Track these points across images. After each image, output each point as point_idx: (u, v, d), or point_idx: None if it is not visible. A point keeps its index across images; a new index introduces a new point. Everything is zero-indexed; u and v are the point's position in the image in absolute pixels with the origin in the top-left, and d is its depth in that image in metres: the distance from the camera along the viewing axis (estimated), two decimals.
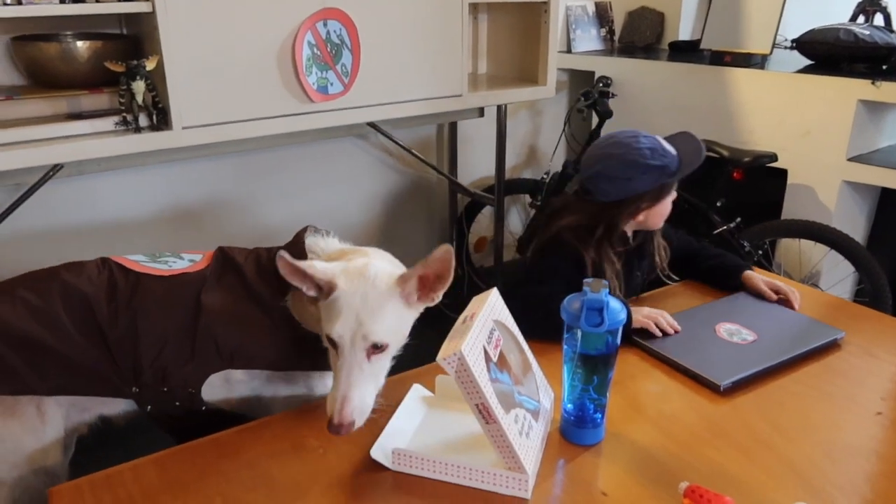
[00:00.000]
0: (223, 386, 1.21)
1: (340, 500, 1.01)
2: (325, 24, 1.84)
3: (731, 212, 2.47)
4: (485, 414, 0.99)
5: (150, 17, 1.62)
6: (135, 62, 1.57)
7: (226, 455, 1.10)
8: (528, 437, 1.04)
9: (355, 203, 2.71)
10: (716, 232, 2.45)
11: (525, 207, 3.19)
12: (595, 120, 2.81)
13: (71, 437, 1.28)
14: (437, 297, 1.13)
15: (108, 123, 1.66)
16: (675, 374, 1.32)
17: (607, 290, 1.06)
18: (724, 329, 1.44)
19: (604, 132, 2.85)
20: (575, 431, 1.13)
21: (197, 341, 1.15)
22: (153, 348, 1.14)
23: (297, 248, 1.21)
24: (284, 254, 1.05)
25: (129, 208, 2.18)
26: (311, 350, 1.18)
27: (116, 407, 1.22)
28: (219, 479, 1.05)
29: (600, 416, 1.13)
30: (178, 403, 1.19)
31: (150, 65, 1.60)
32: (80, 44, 1.69)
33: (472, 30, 2.73)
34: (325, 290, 1.08)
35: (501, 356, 1.13)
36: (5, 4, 1.49)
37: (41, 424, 1.14)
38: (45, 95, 1.65)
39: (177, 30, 1.63)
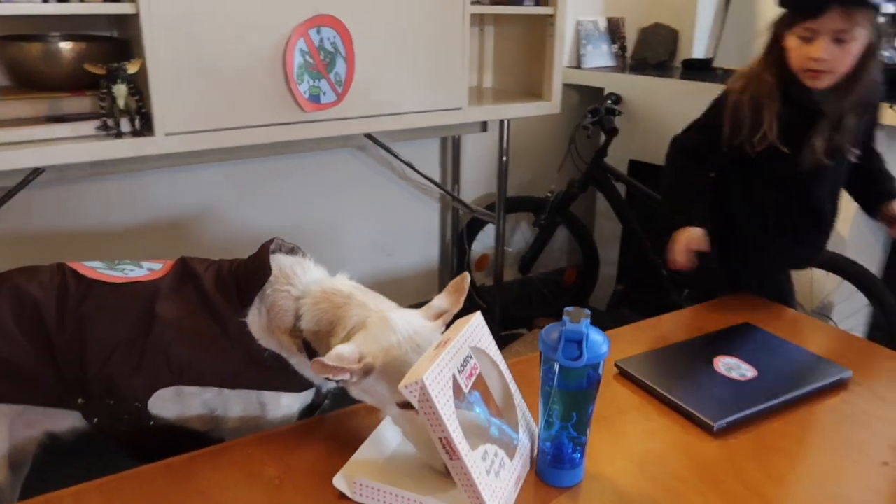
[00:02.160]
0: (174, 400, 1.15)
1: None
2: (318, 32, 1.79)
3: None
4: (448, 449, 0.91)
5: (135, 20, 1.57)
6: (115, 65, 1.53)
7: (176, 482, 1.03)
8: (498, 477, 0.96)
9: (353, 216, 2.65)
10: None
11: (529, 226, 3.11)
12: (603, 137, 2.74)
13: (19, 454, 1.22)
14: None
15: (89, 127, 1.61)
16: (667, 411, 1.23)
17: (588, 320, 0.98)
18: (723, 363, 1.35)
19: (611, 151, 2.77)
20: (551, 472, 1.05)
21: (146, 352, 1.09)
22: (100, 357, 1.08)
23: (261, 264, 1.15)
24: (320, 359, 0.94)
25: (114, 216, 2.13)
26: (265, 368, 1.12)
27: (64, 422, 1.16)
28: None
29: (579, 455, 1.05)
30: (125, 417, 1.13)
31: (131, 68, 1.55)
32: (63, 45, 1.65)
33: (478, 42, 2.67)
34: (361, 372, 0.99)
35: (485, 386, 1.06)
36: None
37: None
38: (26, 97, 1.61)
39: (162, 33, 1.59)
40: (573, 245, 3.24)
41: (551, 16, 2.28)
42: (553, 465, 1.04)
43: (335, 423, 1.16)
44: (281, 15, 1.74)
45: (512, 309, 2.94)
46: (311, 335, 1.12)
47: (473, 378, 1.00)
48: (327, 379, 1.10)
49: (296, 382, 1.17)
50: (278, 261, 1.18)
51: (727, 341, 1.45)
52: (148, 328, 1.10)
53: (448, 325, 1.08)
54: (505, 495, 0.96)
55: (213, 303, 1.12)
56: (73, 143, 1.58)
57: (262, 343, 1.13)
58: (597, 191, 2.89)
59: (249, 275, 1.14)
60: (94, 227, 2.12)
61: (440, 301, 1.09)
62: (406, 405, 0.99)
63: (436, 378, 0.90)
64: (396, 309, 1.13)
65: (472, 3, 2.13)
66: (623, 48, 3.17)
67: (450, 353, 0.96)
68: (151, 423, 1.15)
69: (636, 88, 2.82)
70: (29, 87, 1.68)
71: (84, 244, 2.11)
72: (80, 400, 1.11)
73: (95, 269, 1.16)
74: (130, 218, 2.17)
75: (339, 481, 1.00)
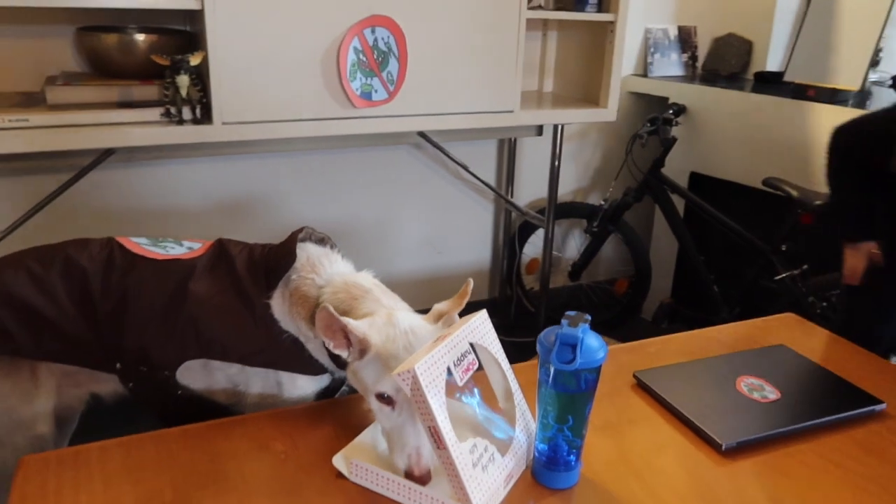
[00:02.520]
0: (201, 371, 1.22)
1: (286, 502, 0.98)
2: (372, 31, 1.85)
3: (797, 258, 2.29)
4: (435, 438, 0.94)
5: (200, 15, 1.68)
6: (179, 57, 1.63)
7: (190, 447, 1.10)
8: (486, 471, 0.98)
9: (406, 213, 2.71)
10: (777, 278, 2.28)
11: (583, 233, 3.09)
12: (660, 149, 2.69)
13: (66, 411, 1.33)
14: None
15: (154, 114, 1.73)
16: (678, 426, 1.21)
17: (587, 325, 0.99)
18: (745, 384, 1.32)
19: (672, 162, 2.72)
20: (545, 473, 1.05)
21: (178, 325, 1.17)
22: (136, 327, 1.17)
23: (287, 250, 1.20)
24: (328, 307, 1.00)
25: (171, 198, 2.27)
26: (283, 350, 1.17)
27: (106, 385, 1.26)
28: (175, 470, 1.05)
29: (574, 458, 1.05)
30: (156, 384, 1.21)
31: (194, 60, 1.65)
32: (137, 36, 1.78)
33: (542, 47, 2.68)
34: (358, 348, 1.04)
35: (486, 383, 1.09)
36: None
37: (34, 389, 1.19)
38: (100, 83, 1.74)
39: (224, 28, 1.68)
40: (628, 255, 3.20)
41: (612, 22, 2.26)
42: (548, 467, 1.05)
43: (344, 408, 1.21)
44: (337, 14, 1.81)
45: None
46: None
47: (470, 373, 1.02)
48: (335, 360, 1.15)
49: (311, 366, 1.22)
50: (307, 249, 1.23)
51: (756, 362, 1.40)
52: (181, 303, 1.17)
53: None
54: (491, 490, 0.98)
55: (242, 284, 1.19)
56: (138, 128, 1.70)
57: (283, 325, 1.19)
58: (654, 202, 2.84)
59: (277, 260, 1.20)
60: (152, 207, 2.26)
61: (442, 305, 1.12)
62: (383, 399, 1.02)
63: (428, 369, 0.93)
64: (405, 310, 1.16)
65: (531, 8, 2.14)
66: (694, 58, 3.10)
67: (447, 346, 0.98)
68: (179, 392, 1.23)
69: (703, 99, 2.75)
70: (104, 75, 1.82)
71: (140, 222, 2.25)
72: (117, 365, 1.20)
73: (140, 244, 1.25)
74: (186, 201, 2.30)
75: (338, 461, 1.05)
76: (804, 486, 1.07)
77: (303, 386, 1.24)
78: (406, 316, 1.10)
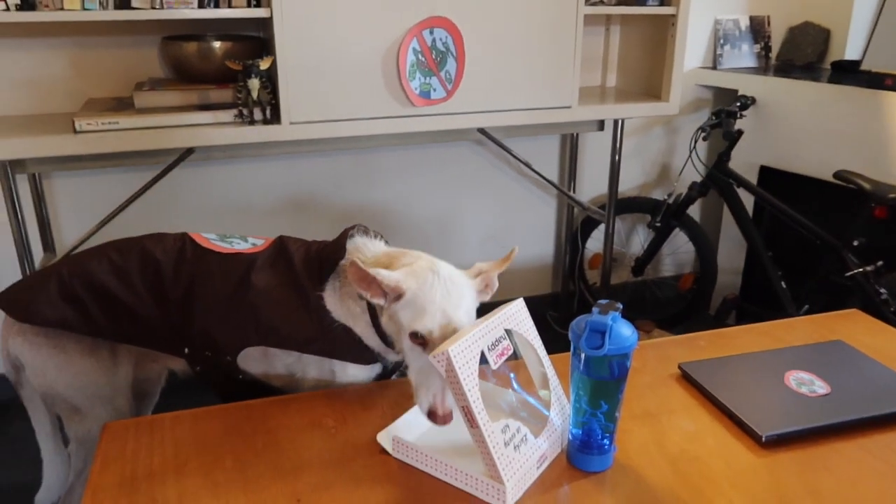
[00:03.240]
0: (261, 359, 1.32)
1: (334, 473, 1.06)
2: (431, 32, 1.92)
3: (870, 254, 2.20)
4: (469, 417, 0.99)
5: (269, 22, 1.80)
6: (250, 62, 1.75)
7: (251, 420, 1.20)
8: (518, 451, 1.03)
9: (468, 208, 2.77)
10: (849, 274, 2.20)
11: (646, 228, 3.06)
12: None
13: (145, 384, 1.47)
14: (489, 295, 1.19)
15: (228, 115, 1.86)
16: (719, 416, 1.22)
17: (617, 314, 1.02)
18: (794, 378, 1.30)
19: (741, 156, 2.66)
20: (579, 456, 1.09)
21: (240, 314, 1.27)
22: (202, 314, 1.27)
23: (338, 245, 1.29)
24: (356, 262, 1.09)
25: (246, 195, 2.41)
26: (335, 339, 1.25)
27: (179, 363, 1.38)
28: (237, 440, 1.15)
29: (608, 442, 1.08)
30: (220, 368, 1.32)
31: (263, 65, 1.77)
32: (215, 44, 1.92)
33: (604, 42, 2.68)
34: (392, 295, 1.12)
35: (523, 368, 1.14)
36: (153, 8, 1.73)
37: (113, 366, 1.33)
38: (181, 88, 1.89)
39: (290, 33, 1.79)
40: (693, 250, 3.14)
41: (673, 15, 2.25)
42: (581, 450, 1.09)
43: (393, 390, 1.28)
44: (396, 17, 1.89)
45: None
46: None
47: (504, 357, 1.07)
48: (384, 339, 1.22)
49: (361, 354, 1.30)
50: (355, 241, 1.31)
51: (809, 357, 1.38)
52: (243, 293, 1.27)
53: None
54: (523, 469, 1.03)
55: (299, 277, 1.28)
56: (215, 129, 1.84)
57: (335, 316, 1.27)
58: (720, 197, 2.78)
59: (329, 255, 1.29)
60: (226, 203, 2.41)
61: (484, 264, 1.20)
62: (416, 339, 1.09)
63: (462, 351, 0.99)
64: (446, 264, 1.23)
65: (591, 4, 2.15)
66: (767, 48, 3.01)
67: (481, 331, 1.04)
68: (241, 376, 1.34)
69: (774, 91, 2.67)
70: (185, 80, 1.97)
71: (215, 217, 2.40)
72: (186, 349, 1.32)
73: (210, 239, 1.36)
74: (256, 198, 2.44)
75: (382, 437, 1.12)
76: (847, 482, 1.05)
77: (354, 374, 1.31)
78: (445, 266, 1.17)
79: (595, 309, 1.03)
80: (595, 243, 2.96)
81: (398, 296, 1.12)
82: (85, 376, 1.30)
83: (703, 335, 1.51)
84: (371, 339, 1.29)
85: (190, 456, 1.11)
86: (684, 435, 1.17)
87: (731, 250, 2.93)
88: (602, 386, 1.04)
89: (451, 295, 1.11)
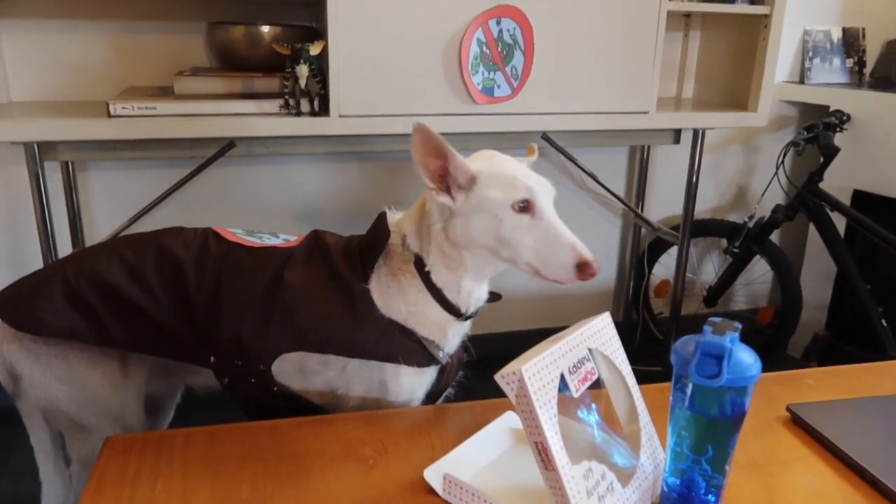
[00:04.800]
0: (297, 374, 1.15)
1: None
2: (498, 22, 1.75)
3: None
4: (543, 456, 0.79)
5: (322, 4, 1.65)
6: (299, 45, 1.61)
7: (277, 442, 1.02)
8: (602, 502, 0.82)
9: None
10: None
11: (722, 253, 2.80)
12: (820, 159, 2.38)
13: (158, 401, 1.30)
14: None
15: (273, 105, 1.72)
16: (846, 473, 0.99)
17: (736, 335, 0.80)
18: None
19: (831, 177, 2.40)
20: None
21: (273, 315, 1.10)
22: (231, 317, 1.11)
23: (378, 230, 1.14)
24: (426, 126, 1.01)
25: (288, 196, 2.28)
26: (387, 338, 1.08)
27: (198, 377, 1.22)
28: (257, 465, 0.97)
29: (714, 499, 0.86)
30: (252, 379, 1.15)
31: (314, 49, 1.62)
32: (263, 28, 1.78)
33: (682, 49, 2.47)
34: (465, 179, 1.05)
35: (606, 398, 0.93)
36: None
37: (122, 379, 1.16)
38: (224, 75, 1.76)
39: (345, 16, 1.65)
40: (773, 281, 2.86)
41: (766, 16, 2.03)
42: None
43: (442, 416, 1.09)
44: (461, 3, 1.72)
45: None
46: (414, 240, 1.11)
47: (587, 384, 0.87)
48: (448, 308, 1.11)
49: (417, 353, 1.12)
50: (395, 216, 1.18)
51: None
52: (276, 292, 1.11)
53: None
54: None
55: (340, 272, 1.12)
56: (257, 119, 1.70)
57: (384, 311, 1.11)
58: (809, 221, 2.52)
59: (371, 241, 1.13)
60: (267, 203, 2.28)
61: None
62: (522, 208, 1.02)
63: (538, 372, 0.79)
64: None
65: (673, 1, 1.96)
66: (861, 63, 2.75)
67: (562, 348, 0.84)
68: (275, 388, 1.16)
69: (872, 108, 2.41)
70: (232, 68, 1.85)
71: (255, 217, 2.28)
72: (212, 358, 1.15)
73: (236, 234, 1.20)
74: (300, 200, 2.30)
75: (431, 474, 0.93)
76: None
77: (409, 385, 1.14)
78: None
79: (707, 328, 0.82)
80: (662, 269, 2.72)
81: (472, 181, 1.03)
82: (90, 390, 1.14)
83: (810, 373, 1.30)
84: (434, 330, 1.12)
85: (201, 481, 0.93)
86: (806, 494, 0.95)
87: (816, 282, 2.64)
88: (711, 426, 0.83)
89: (524, 168, 1.08)
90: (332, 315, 1.11)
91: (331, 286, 1.12)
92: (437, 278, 1.10)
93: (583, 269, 1.02)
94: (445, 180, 1.06)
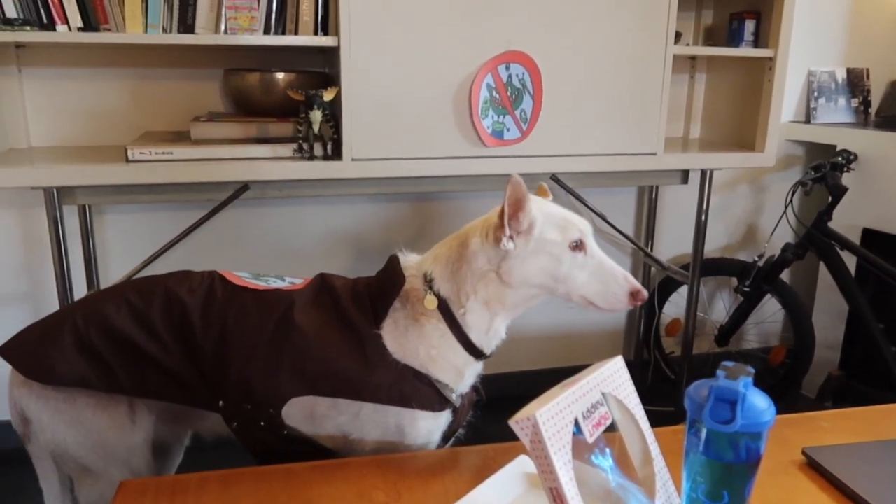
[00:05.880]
0: (308, 419, 1.14)
1: None
2: (507, 68, 1.79)
3: None
4: (558, 502, 0.78)
5: (335, 52, 1.69)
6: (313, 92, 1.64)
7: (290, 487, 1.02)
8: None
9: None
10: None
11: (732, 293, 2.79)
12: (829, 199, 2.39)
13: (166, 445, 1.30)
14: None
15: (287, 150, 1.75)
16: None
17: (750, 379, 0.80)
18: None
19: (841, 216, 2.41)
20: None
21: (282, 359, 1.10)
22: (239, 360, 1.11)
23: (392, 274, 1.14)
24: (519, 180, 1.05)
25: (301, 239, 2.30)
26: (401, 383, 1.08)
27: (205, 423, 1.22)
28: None
29: None
30: (262, 424, 1.14)
31: (327, 95, 1.66)
32: (278, 75, 1.83)
33: (688, 91, 2.51)
34: (526, 224, 1.09)
35: (620, 443, 0.93)
36: (217, 33, 1.66)
37: (130, 424, 1.16)
38: (239, 120, 1.80)
39: (358, 64, 1.69)
40: (785, 320, 2.85)
41: (771, 59, 2.06)
42: None
43: (455, 460, 1.08)
44: (472, 50, 1.76)
45: None
46: (444, 284, 1.13)
47: (601, 428, 0.86)
48: (469, 348, 1.13)
49: (433, 397, 1.12)
50: (408, 260, 1.20)
51: None
52: (285, 335, 1.11)
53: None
54: None
55: (349, 315, 1.12)
56: (271, 163, 1.73)
57: (397, 357, 1.11)
58: (819, 260, 2.52)
59: (382, 287, 1.14)
60: (281, 246, 2.30)
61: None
62: (577, 246, 1.09)
63: (553, 417, 0.79)
64: None
65: (678, 45, 1.99)
66: (866, 103, 2.78)
67: (575, 393, 0.84)
68: (285, 432, 1.16)
69: (878, 146, 2.43)
70: (247, 113, 1.88)
71: (265, 260, 2.29)
72: (220, 402, 1.14)
73: (242, 277, 1.21)
74: (313, 242, 2.32)
75: None
76: None
77: (426, 429, 1.14)
78: None
79: (720, 372, 0.82)
80: (673, 308, 2.71)
81: (530, 225, 1.09)
82: (98, 434, 1.14)
83: (825, 415, 1.28)
84: (448, 372, 1.13)
85: None
86: None
87: (828, 321, 2.62)
88: (727, 471, 0.82)
89: (557, 205, 1.17)
90: (342, 359, 1.11)
91: (340, 330, 1.12)
92: (470, 318, 1.12)
93: (636, 295, 1.09)
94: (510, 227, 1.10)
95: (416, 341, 1.11)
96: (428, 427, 1.14)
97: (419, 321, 1.12)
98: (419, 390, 1.11)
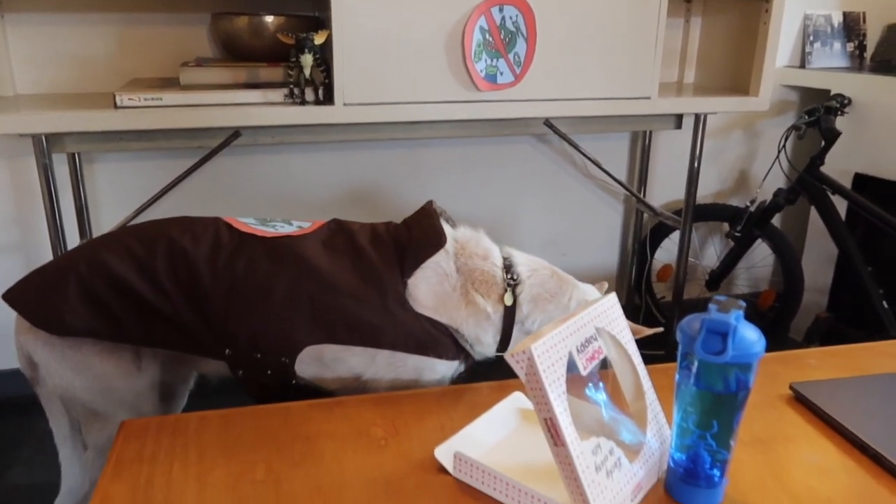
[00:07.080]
0: (316, 363, 1.14)
1: (382, 494, 0.89)
2: (500, 10, 1.75)
3: None
4: (553, 432, 0.81)
5: None
6: (303, 35, 1.61)
7: (289, 425, 1.04)
8: (610, 477, 0.84)
9: (529, 210, 2.58)
10: None
11: (724, 238, 2.81)
12: (821, 143, 2.39)
13: (172, 387, 1.31)
14: None
15: (278, 95, 1.72)
16: (849, 449, 1.01)
17: (741, 312, 0.82)
18: None
19: (832, 161, 2.41)
20: (682, 488, 0.89)
21: (298, 307, 1.09)
22: (251, 311, 1.10)
23: (433, 230, 1.15)
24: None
25: (293, 186, 2.28)
26: (422, 333, 1.09)
27: (211, 365, 1.22)
28: (271, 447, 0.99)
29: (719, 473, 0.88)
30: (269, 372, 1.14)
31: (318, 39, 1.63)
32: (267, 18, 1.79)
33: (683, 36, 2.47)
34: None
35: (612, 377, 0.95)
36: None
37: (136, 370, 1.16)
38: (228, 65, 1.77)
39: (348, 6, 1.65)
40: (775, 265, 2.88)
41: (767, 1, 2.03)
42: (685, 480, 0.89)
43: (450, 397, 1.11)
44: None
45: None
46: (527, 298, 1.16)
47: (595, 362, 0.88)
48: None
49: (447, 347, 1.14)
50: (450, 232, 1.18)
51: None
52: (298, 283, 1.10)
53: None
54: (616, 500, 0.83)
55: (370, 259, 1.11)
56: (262, 108, 1.70)
57: (421, 307, 1.12)
58: (810, 205, 2.53)
59: (416, 238, 1.13)
60: (273, 193, 2.28)
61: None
62: None
63: (547, 350, 0.81)
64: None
65: None
66: (861, 47, 2.75)
67: (570, 327, 0.85)
68: (294, 381, 1.16)
69: (873, 91, 2.42)
70: (236, 58, 1.85)
71: (258, 208, 2.28)
72: (227, 351, 1.14)
73: (248, 223, 1.18)
74: (305, 190, 2.31)
75: (442, 452, 0.95)
76: None
77: (443, 373, 1.16)
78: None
79: (712, 306, 0.83)
80: (664, 253, 2.73)
81: None
82: (105, 380, 1.15)
83: (812, 352, 1.31)
84: (483, 339, 1.17)
85: (216, 463, 0.95)
86: (810, 470, 0.97)
87: (817, 265, 2.66)
88: (717, 401, 0.85)
89: None
90: (361, 306, 1.09)
91: (359, 275, 1.10)
92: (520, 334, 1.17)
93: None
94: None
95: (454, 309, 1.12)
96: (445, 371, 1.16)
97: (470, 294, 1.13)
98: (439, 340, 1.11)
